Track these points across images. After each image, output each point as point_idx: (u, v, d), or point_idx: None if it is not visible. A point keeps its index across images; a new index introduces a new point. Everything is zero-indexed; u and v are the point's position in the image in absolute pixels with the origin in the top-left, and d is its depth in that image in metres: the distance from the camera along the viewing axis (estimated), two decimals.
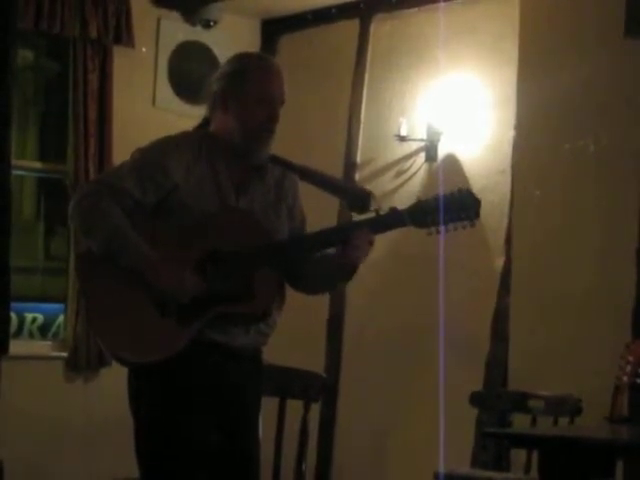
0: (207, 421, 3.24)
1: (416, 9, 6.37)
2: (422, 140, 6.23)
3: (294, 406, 4.25)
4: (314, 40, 6.91)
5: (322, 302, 6.45)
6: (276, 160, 3.39)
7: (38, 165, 6.53)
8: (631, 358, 4.16)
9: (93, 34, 6.20)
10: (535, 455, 3.97)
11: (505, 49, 5.90)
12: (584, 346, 5.38)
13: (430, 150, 6.20)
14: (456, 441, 5.68)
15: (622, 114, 5.39)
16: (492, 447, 5.59)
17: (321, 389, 4.28)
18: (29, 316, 6.53)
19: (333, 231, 3.36)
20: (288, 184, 3.43)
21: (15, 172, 5.98)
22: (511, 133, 5.86)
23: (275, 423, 4.25)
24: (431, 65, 6.24)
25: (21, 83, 6.29)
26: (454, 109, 6.13)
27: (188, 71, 6.73)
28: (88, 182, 5.69)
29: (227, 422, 3.29)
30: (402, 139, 6.25)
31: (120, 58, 6.40)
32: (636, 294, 5.24)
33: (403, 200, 5.99)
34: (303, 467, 4.24)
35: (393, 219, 3.28)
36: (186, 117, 5.82)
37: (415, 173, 6.30)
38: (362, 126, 6.61)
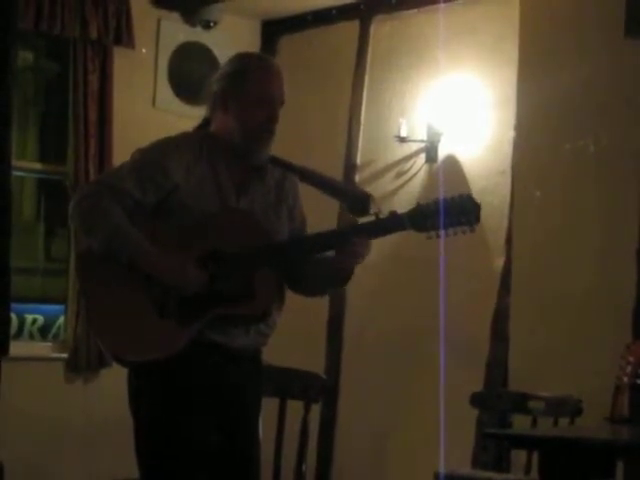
0: (207, 421, 3.24)
1: (416, 10, 6.37)
2: (422, 141, 6.23)
3: (294, 407, 4.25)
4: (314, 41, 6.91)
5: (322, 303, 6.44)
6: (276, 161, 3.39)
7: (38, 166, 6.53)
8: (631, 358, 4.16)
9: (93, 35, 6.20)
10: (535, 456, 3.97)
11: (505, 50, 5.90)
12: (584, 346, 5.38)
13: (430, 151, 6.20)
14: (456, 442, 5.68)
15: (622, 114, 5.39)
16: (492, 448, 5.59)
17: (321, 390, 4.29)
18: (29, 317, 6.53)
19: (333, 234, 3.36)
20: (289, 185, 3.43)
21: (15, 173, 5.96)
22: (511, 134, 5.86)
23: (275, 424, 4.25)
24: (431, 66, 6.24)
25: (21, 84, 6.29)
26: (454, 110, 6.13)
27: (188, 72, 6.73)
28: (88, 183, 5.69)
29: (227, 423, 3.29)
30: (402, 140, 6.24)
31: (120, 59, 6.40)
32: (636, 294, 5.24)
33: (403, 201, 6.05)
34: (303, 468, 4.24)
35: (393, 223, 3.27)
36: (186, 118, 5.81)
37: (415, 174, 6.30)
38: (362, 127, 6.61)
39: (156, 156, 3.28)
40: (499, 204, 5.86)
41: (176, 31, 6.73)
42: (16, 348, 5.84)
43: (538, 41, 5.74)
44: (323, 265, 3.35)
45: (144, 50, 6.58)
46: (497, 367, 5.81)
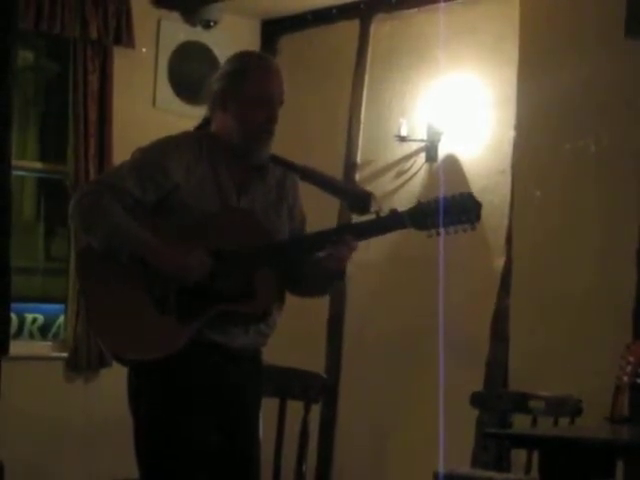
0: (207, 421, 3.24)
1: (416, 9, 6.37)
2: (422, 140, 6.23)
3: (294, 407, 4.25)
4: (314, 40, 6.91)
5: (322, 303, 6.45)
6: (277, 160, 3.39)
7: (38, 166, 6.53)
8: (631, 358, 4.16)
9: (93, 35, 6.20)
10: (536, 455, 3.97)
11: (505, 49, 5.90)
12: (584, 346, 5.38)
13: (430, 150, 6.20)
14: (456, 442, 5.68)
15: (622, 114, 5.39)
16: (493, 447, 5.59)
17: (321, 390, 4.28)
18: (29, 317, 6.53)
19: (333, 232, 3.34)
20: (289, 184, 3.43)
21: (15, 173, 5.97)
22: (511, 133, 5.86)
23: (275, 424, 4.25)
24: (431, 65, 6.24)
25: (21, 84, 6.29)
26: (454, 109, 6.13)
27: (188, 71, 6.73)
28: (88, 182, 5.69)
29: (227, 422, 3.29)
30: (402, 139, 6.24)
31: (120, 59, 6.39)
32: (636, 294, 5.24)
33: (403, 200, 6.04)
34: (303, 468, 4.24)
35: (393, 221, 3.26)
36: (186, 117, 5.81)
37: (415, 173, 6.30)
38: (362, 126, 6.61)
39: (156, 155, 3.27)
40: (499, 204, 5.86)
41: (176, 31, 6.73)
42: (16, 347, 5.85)
43: (538, 41, 5.74)
44: (320, 265, 3.34)
45: (144, 50, 6.58)
46: (497, 367, 5.81)
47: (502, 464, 5.42)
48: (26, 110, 6.71)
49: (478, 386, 5.71)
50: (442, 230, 3.23)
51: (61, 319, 6.47)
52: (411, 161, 6.32)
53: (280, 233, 3.35)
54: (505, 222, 5.85)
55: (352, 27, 6.70)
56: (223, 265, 3.21)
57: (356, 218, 3.42)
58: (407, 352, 6.18)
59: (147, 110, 6.59)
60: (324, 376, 4.44)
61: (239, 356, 3.29)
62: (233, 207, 3.29)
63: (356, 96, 6.64)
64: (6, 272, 5.27)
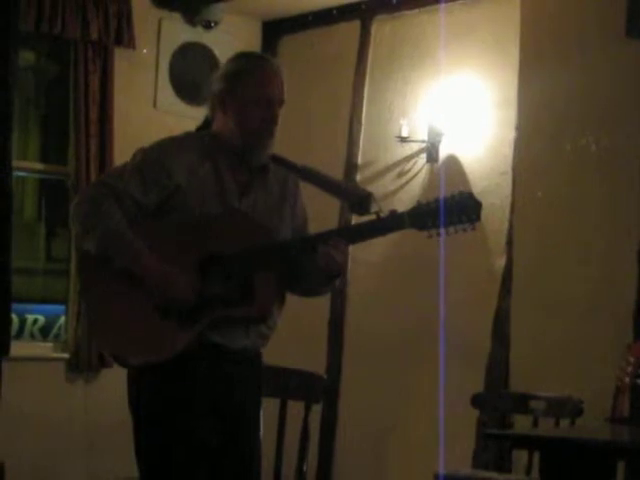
0: (207, 422, 3.24)
1: (417, 10, 6.37)
2: (423, 141, 6.23)
3: (295, 407, 4.25)
4: (315, 41, 6.91)
5: (323, 303, 6.45)
6: (277, 160, 3.39)
7: (39, 166, 6.53)
8: (632, 359, 4.17)
9: (94, 35, 6.20)
10: (536, 456, 3.97)
11: (506, 50, 5.90)
12: (585, 347, 5.38)
13: (431, 151, 6.20)
14: (457, 442, 5.68)
15: (623, 115, 5.39)
16: (493, 448, 5.59)
17: (322, 390, 4.28)
18: (30, 317, 6.53)
19: (332, 233, 3.32)
20: (291, 184, 3.43)
21: (16, 173, 5.98)
22: (512, 134, 5.86)
23: (276, 424, 4.25)
24: (432, 66, 6.24)
25: (22, 84, 6.29)
26: (455, 110, 6.13)
27: (189, 72, 6.73)
28: (90, 184, 5.68)
29: (227, 423, 3.29)
30: (403, 140, 6.24)
31: (121, 59, 6.40)
32: (637, 295, 5.24)
33: (404, 201, 6.05)
34: (304, 468, 4.24)
35: (393, 222, 3.26)
36: (187, 118, 5.83)
37: (416, 174, 6.30)
38: (363, 127, 6.61)
39: (158, 156, 3.27)
40: (500, 205, 5.86)
41: (177, 31, 6.73)
42: (17, 348, 5.86)
43: (539, 41, 5.74)
44: (318, 265, 3.33)
45: (145, 50, 6.58)
46: (498, 367, 5.81)
47: (503, 465, 5.42)
48: (27, 111, 6.71)
49: (479, 387, 5.71)
50: (442, 230, 3.23)
51: (62, 320, 6.47)
52: (412, 162, 6.32)
53: (282, 234, 3.34)
54: (506, 223, 5.85)
55: (353, 28, 6.70)
56: (223, 268, 3.21)
57: (356, 218, 3.42)
58: (408, 353, 6.18)
59: (148, 111, 6.59)
60: (324, 377, 4.44)
61: (239, 357, 3.29)
62: (234, 209, 3.29)
63: (357, 97, 6.65)
64: (7, 273, 5.27)
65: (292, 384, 4.24)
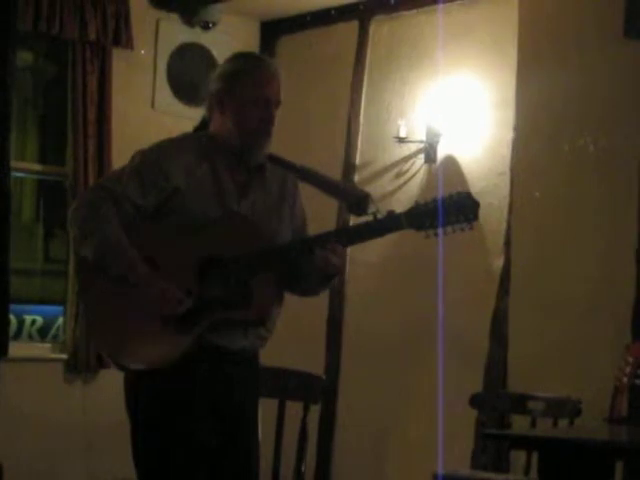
0: (207, 424, 3.24)
1: (415, 11, 6.37)
2: (421, 142, 6.23)
3: (294, 408, 4.25)
4: (313, 42, 6.91)
5: (322, 303, 6.45)
6: (275, 160, 3.39)
7: (37, 167, 6.53)
8: (630, 359, 4.17)
9: (92, 36, 6.20)
10: (535, 456, 3.97)
11: (504, 50, 5.90)
12: (583, 347, 5.38)
13: (429, 152, 6.20)
14: (455, 442, 5.68)
15: (621, 115, 5.40)
16: (492, 448, 5.59)
17: (320, 391, 4.28)
18: (28, 318, 6.53)
19: (330, 235, 3.32)
20: (290, 184, 3.43)
21: (14, 174, 5.97)
22: (510, 134, 5.86)
23: (275, 425, 4.25)
24: (430, 67, 6.24)
25: (20, 85, 6.28)
26: (453, 111, 6.13)
27: (187, 73, 6.73)
28: (89, 188, 5.69)
29: (227, 424, 3.29)
30: (401, 141, 6.24)
31: (119, 60, 6.39)
32: (635, 295, 5.24)
33: (402, 202, 6.05)
34: (303, 468, 4.24)
35: (390, 223, 3.26)
36: (185, 119, 5.82)
37: (414, 175, 6.30)
38: (361, 127, 6.61)
39: (157, 159, 3.27)
40: (498, 205, 5.86)
41: (175, 32, 6.72)
42: (15, 349, 5.85)
43: (537, 42, 5.74)
44: (316, 265, 3.33)
45: (143, 51, 6.58)
46: (496, 368, 5.81)
47: (501, 465, 5.42)
48: (25, 111, 6.71)
49: (477, 387, 5.71)
50: (440, 230, 3.23)
51: (60, 321, 6.47)
52: (410, 162, 6.32)
53: (281, 236, 3.35)
54: (504, 223, 5.86)
55: (351, 28, 6.70)
56: (221, 272, 3.20)
57: (354, 219, 3.42)
58: (406, 353, 6.18)
59: (146, 111, 6.59)
60: (323, 377, 4.44)
61: (238, 358, 3.29)
62: (233, 212, 3.28)
63: (355, 97, 6.65)
64: (5, 273, 5.27)
65: (290, 384, 4.24)
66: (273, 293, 3.30)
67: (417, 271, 6.12)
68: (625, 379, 4.13)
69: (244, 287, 3.21)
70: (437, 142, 6.18)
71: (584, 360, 5.34)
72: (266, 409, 3.61)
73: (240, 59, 3.38)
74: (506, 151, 5.90)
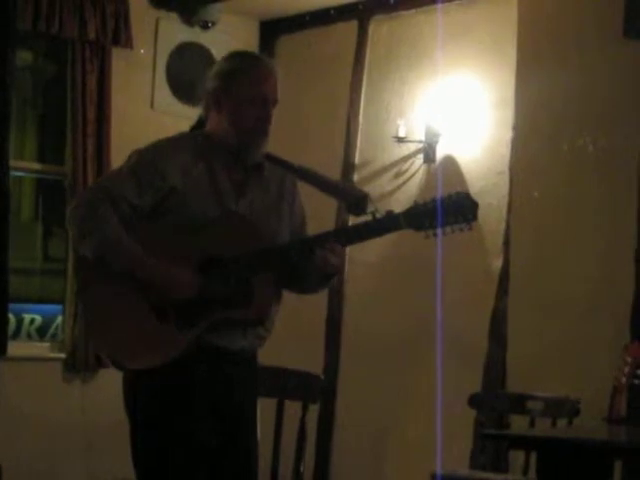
0: (206, 424, 3.24)
1: (414, 10, 6.37)
2: (420, 141, 6.23)
3: (292, 407, 4.25)
4: (312, 41, 6.91)
5: (320, 303, 6.45)
6: (272, 159, 3.38)
7: (37, 166, 6.53)
8: (629, 359, 4.17)
9: (91, 35, 6.20)
10: (533, 456, 3.97)
11: (503, 50, 5.90)
12: (582, 347, 5.38)
13: (428, 151, 6.20)
14: (454, 442, 5.68)
15: (621, 115, 5.40)
16: (490, 448, 5.59)
17: (319, 390, 4.28)
18: (27, 317, 6.52)
19: (329, 235, 3.32)
20: (288, 182, 3.43)
21: (14, 173, 5.98)
22: (509, 134, 5.86)
23: (273, 424, 4.25)
24: (429, 66, 6.24)
25: (19, 84, 6.28)
26: (452, 110, 6.13)
27: (186, 72, 6.72)
28: (87, 187, 5.69)
29: (227, 424, 3.29)
30: (400, 140, 6.25)
31: (118, 59, 6.39)
32: (634, 295, 5.24)
33: (401, 202, 6.05)
34: (301, 468, 4.24)
35: (389, 222, 3.26)
36: (184, 118, 5.80)
37: (413, 174, 6.30)
38: (360, 127, 6.61)
39: (153, 158, 3.27)
40: (497, 205, 5.86)
41: (174, 31, 6.72)
42: (14, 348, 5.85)
43: (536, 42, 5.74)
44: (315, 264, 3.33)
45: (142, 50, 6.58)
46: (495, 368, 5.81)
47: (500, 465, 5.42)
48: (24, 111, 6.70)
49: (476, 387, 5.71)
50: (439, 231, 3.23)
51: (59, 320, 6.47)
52: (409, 162, 6.32)
53: (280, 235, 3.34)
54: (503, 223, 5.86)
55: (350, 28, 6.70)
56: (221, 272, 3.20)
57: (353, 219, 3.42)
58: (405, 353, 6.18)
59: (145, 111, 6.59)
60: (322, 377, 4.44)
61: (238, 358, 3.29)
62: (232, 212, 3.28)
63: (354, 97, 6.65)
64: (4, 272, 5.27)
65: (289, 384, 4.24)
66: (272, 292, 3.30)
67: (416, 271, 6.12)
68: (624, 379, 4.14)
69: (244, 287, 3.20)
70: (436, 142, 6.18)
71: (583, 360, 5.34)
72: (265, 408, 3.61)
73: (237, 58, 3.37)
74: (505, 151, 5.90)
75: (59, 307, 6.44)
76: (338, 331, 6.59)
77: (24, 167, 6.46)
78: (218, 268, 3.20)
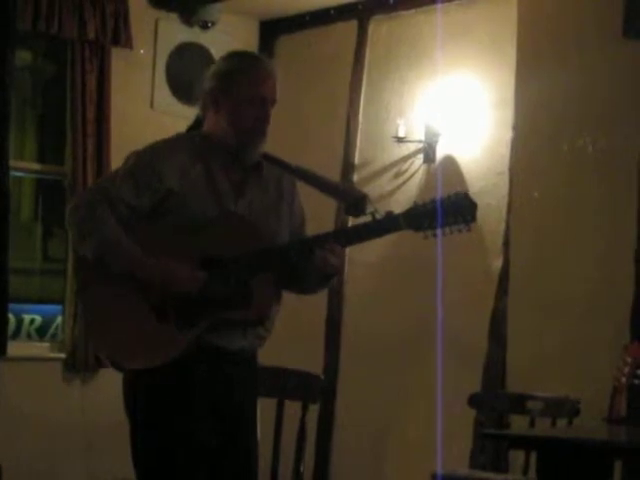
0: (207, 424, 3.24)
1: (414, 10, 6.37)
2: (420, 141, 6.23)
3: (292, 407, 4.25)
4: (312, 41, 6.91)
5: (320, 303, 6.45)
6: (270, 159, 3.38)
7: (36, 166, 6.53)
8: (629, 359, 4.17)
9: (91, 35, 6.20)
10: (533, 456, 3.97)
11: (503, 50, 5.90)
12: (582, 347, 5.38)
13: (428, 151, 6.20)
14: (454, 442, 5.68)
15: (621, 115, 5.39)
16: (490, 448, 5.59)
17: (319, 390, 4.28)
18: (27, 317, 6.52)
19: (328, 236, 3.31)
20: (286, 182, 3.43)
21: (13, 173, 5.98)
22: (509, 134, 5.86)
23: (273, 424, 4.25)
24: (429, 66, 6.24)
25: (19, 84, 6.28)
26: (452, 110, 6.13)
27: (186, 72, 6.72)
28: (86, 188, 5.69)
29: (227, 424, 3.29)
30: (400, 140, 6.24)
31: (118, 59, 6.39)
32: (634, 295, 5.24)
33: (401, 202, 6.05)
34: (301, 468, 4.24)
35: (388, 223, 3.26)
36: (183, 118, 5.76)
37: (413, 174, 6.30)
38: (360, 127, 6.61)
39: (149, 160, 3.26)
40: (497, 205, 5.86)
41: (174, 31, 6.72)
42: (14, 348, 5.85)
43: (536, 41, 5.74)
44: (314, 265, 3.33)
45: (142, 51, 6.58)
46: (495, 368, 5.81)
47: (500, 465, 5.42)
48: (24, 111, 6.70)
49: (476, 387, 5.71)
50: (439, 231, 3.23)
51: (59, 320, 6.47)
52: (409, 162, 6.32)
53: (279, 235, 3.34)
54: (503, 223, 5.86)
55: (350, 28, 6.70)
56: (220, 272, 3.20)
57: (353, 220, 3.41)
58: (405, 353, 6.18)
59: (145, 111, 6.59)
60: (322, 377, 4.44)
61: (238, 358, 3.29)
62: (230, 212, 3.28)
63: (354, 97, 6.64)
64: (4, 273, 5.27)
65: (289, 384, 4.24)
66: (272, 293, 3.30)
67: (416, 271, 6.12)
68: (624, 379, 4.13)
69: (244, 287, 3.20)
70: (436, 142, 6.18)
71: (583, 360, 5.34)
72: (265, 408, 3.61)
73: (235, 58, 3.37)
74: (505, 151, 5.90)
75: (59, 307, 6.44)
76: (338, 331, 6.59)
77: (24, 167, 6.46)
78: (218, 268, 3.20)
